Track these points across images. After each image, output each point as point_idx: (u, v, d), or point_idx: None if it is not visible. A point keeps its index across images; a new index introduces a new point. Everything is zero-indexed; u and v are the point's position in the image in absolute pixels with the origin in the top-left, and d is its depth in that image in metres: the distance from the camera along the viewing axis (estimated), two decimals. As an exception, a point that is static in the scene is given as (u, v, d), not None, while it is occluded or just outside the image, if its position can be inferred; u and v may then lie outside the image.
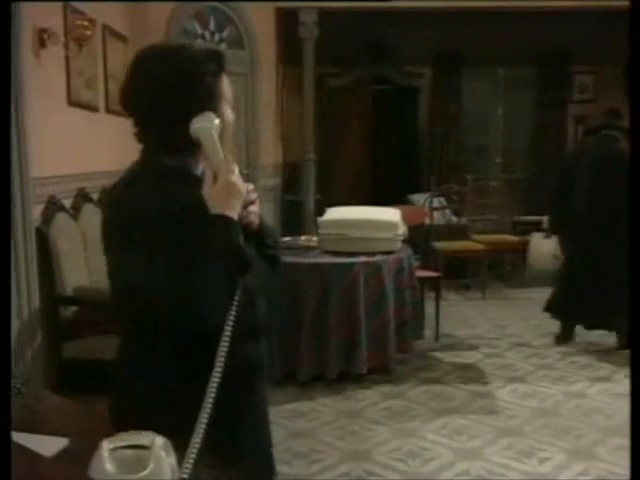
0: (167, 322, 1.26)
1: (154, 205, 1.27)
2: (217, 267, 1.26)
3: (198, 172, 1.39)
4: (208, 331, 1.23)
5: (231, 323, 1.24)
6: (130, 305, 1.31)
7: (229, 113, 1.41)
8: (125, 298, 1.32)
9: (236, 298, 1.27)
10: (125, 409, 1.37)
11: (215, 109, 1.35)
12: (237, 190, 1.31)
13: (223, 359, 1.19)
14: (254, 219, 1.38)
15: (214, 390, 1.16)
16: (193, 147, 1.34)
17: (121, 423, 1.14)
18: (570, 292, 4.69)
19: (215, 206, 1.29)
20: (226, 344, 1.21)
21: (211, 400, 1.14)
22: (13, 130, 3.33)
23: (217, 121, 1.33)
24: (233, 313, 1.26)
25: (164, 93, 1.32)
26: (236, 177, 1.32)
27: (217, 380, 1.17)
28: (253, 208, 1.37)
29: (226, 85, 1.40)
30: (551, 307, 4.85)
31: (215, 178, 1.31)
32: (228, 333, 1.23)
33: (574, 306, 4.69)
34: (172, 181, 1.33)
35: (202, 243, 1.25)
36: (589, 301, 4.58)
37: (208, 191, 1.31)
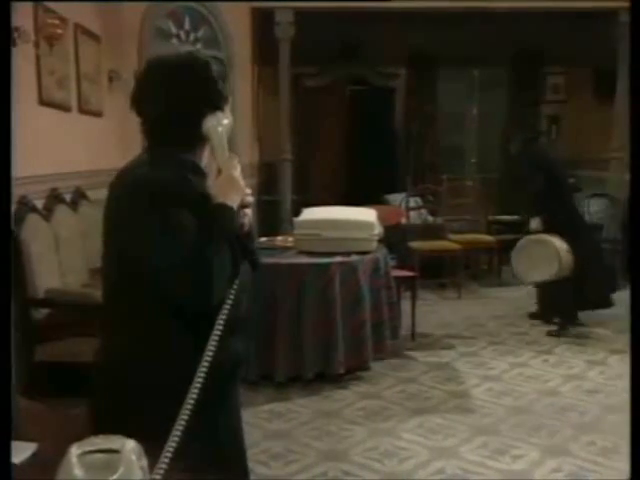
0: (176, 292, 1.31)
1: (171, 182, 1.35)
2: (222, 249, 1.34)
3: (203, 166, 1.49)
4: (211, 306, 1.29)
5: (227, 311, 1.30)
6: (141, 280, 1.34)
7: (229, 114, 1.51)
8: (139, 272, 1.34)
9: (234, 286, 1.35)
10: (113, 412, 1.36)
11: (224, 110, 1.47)
12: (238, 185, 1.42)
13: (213, 349, 1.22)
14: (247, 221, 1.47)
15: (198, 386, 1.17)
16: (199, 144, 1.45)
17: (105, 426, 1.13)
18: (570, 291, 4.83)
19: (217, 196, 1.40)
20: (218, 333, 1.25)
21: (194, 397, 1.15)
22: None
23: (226, 121, 1.47)
24: (230, 301, 1.32)
25: (179, 95, 1.43)
26: (238, 173, 1.43)
27: (202, 375, 1.19)
28: (248, 210, 1.46)
29: (228, 90, 1.52)
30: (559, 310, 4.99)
31: (219, 173, 1.43)
32: (222, 322, 1.27)
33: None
34: (183, 170, 1.42)
35: (209, 228, 1.34)
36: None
37: (212, 183, 1.42)
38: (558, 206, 4.97)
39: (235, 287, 1.35)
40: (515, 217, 7.07)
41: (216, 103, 1.45)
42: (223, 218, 1.37)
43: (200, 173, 1.46)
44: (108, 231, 1.41)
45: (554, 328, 4.97)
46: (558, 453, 3.10)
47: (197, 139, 1.44)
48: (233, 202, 1.40)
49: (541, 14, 6.47)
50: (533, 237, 4.86)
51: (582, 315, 5.09)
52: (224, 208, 1.38)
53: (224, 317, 1.28)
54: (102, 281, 1.46)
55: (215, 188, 1.41)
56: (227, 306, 1.30)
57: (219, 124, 1.44)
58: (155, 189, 1.33)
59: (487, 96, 7.90)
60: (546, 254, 4.64)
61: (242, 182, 1.43)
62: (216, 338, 1.24)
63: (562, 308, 4.99)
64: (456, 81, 7.90)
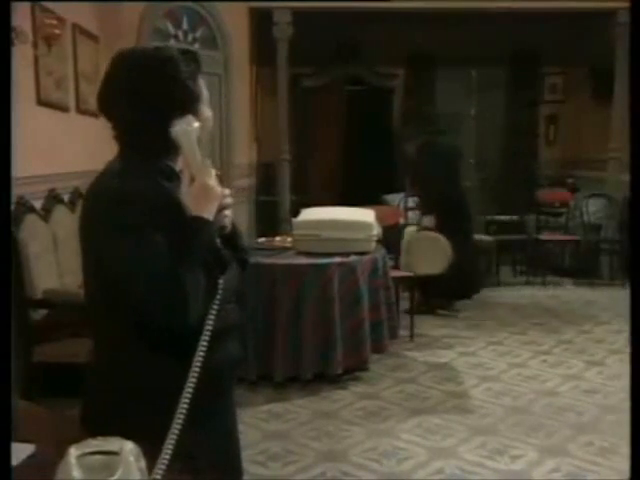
0: (149, 314, 1.26)
1: (144, 195, 1.28)
2: (196, 265, 1.27)
3: (178, 171, 1.41)
4: (187, 327, 1.24)
5: (211, 323, 1.26)
6: (118, 292, 1.29)
7: (207, 112, 1.43)
8: (115, 285, 1.29)
9: (217, 298, 1.30)
10: (101, 412, 1.35)
11: (195, 111, 1.37)
12: (214, 193, 1.34)
13: (201, 359, 1.21)
14: (227, 223, 1.40)
15: (190, 391, 1.16)
16: (173, 148, 1.36)
17: (95, 427, 1.13)
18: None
19: (192, 207, 1.31)
20: (205, 345, 1.22)
21: (187, 401, 1.15)
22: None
23: (196, 124, 1.36)
24: (214, 313, 1.28)
25: (144, 97, 1.33)
26: (213, 180, 1.35)
27: (194, 380, 1.18)
28: (227, 212, 1.39)
29: (202, 86, 1.42)
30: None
31: (192, 180, 1.34)
32: (208, 333, 1.24)
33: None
34: (157, 177, 1.35)
35: (183, 242, 1.28)
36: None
37: (185, 192, 1.34)
38: (451, 206, 5.37)
39: (218, 299, 1.30)
40: (513, 217, 7.08)
41: (185, 104, 1.35)
42: (199, 232, 1.29)
43: (176, 178, 1.38)
44: (82, 240, 1.36)
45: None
46: (556, 453, 3.10)
47: (169, 144, 1.34)
48: (209, 213, 1.32)
49: (539, 14, 6.48)
50: (426, 233, 5.14)
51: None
52: (200, 222, 1.30)
53: (209, 330, 1.25)
54: (83, 285, 1.42)
55: (189, 198, 1.32)
56: (210, 320, 1.26)
57: (190, 128, 1.34)
58: (127, 201, 1.26)
59: (485, 96, 7.90)
60: (438, 250, 4.96)
61: (217, 189, 1.34)
62: (203, 349, 1.22)
63: (441, 297, 5.47)
64: (454, 81, 7.90)
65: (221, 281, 1.33)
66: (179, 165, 1.40)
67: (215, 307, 1.29)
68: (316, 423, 3.44)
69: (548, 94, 7.84)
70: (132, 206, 1.26)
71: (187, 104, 1.35)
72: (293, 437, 3.27)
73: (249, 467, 2.81)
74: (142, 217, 1.25)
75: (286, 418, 3.50)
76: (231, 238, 1.43)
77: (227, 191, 1.38)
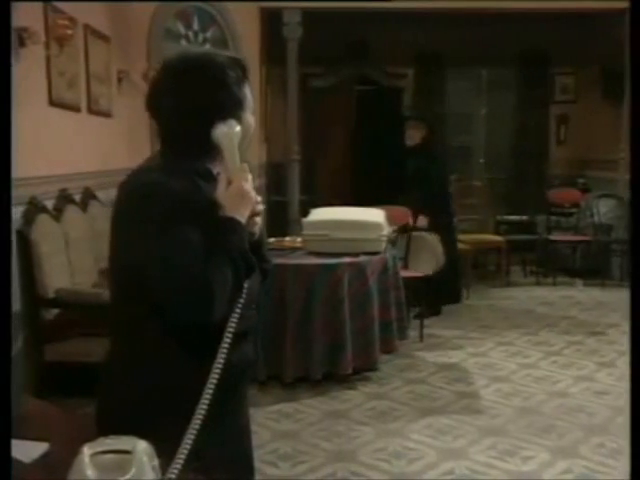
0: (175, 309, 1.26)
1: (178, 192, 1.29)
2: (226, 265, 1.28)
3: (215, 173, 1.43)
4: (212, 325, 1.25)
5: (233, 325, 1.27)
6: (144, 288, 1.29)
7: (251, 119, 1.45)
8: (142, 281, 1.29)
9: (240, 300, 1.31)
10: (117, 411, 1.36)
11: (238, 116, 1.39)
12: (249, 198, 1.36)
13: (223, 361, 1.21)
14: (256, 230, 1.42)
15: (211, 391, 1.17)
16: (213, 151, 1.38)
17: (110, 426, 1.13)
18: None
19: (226, 209, 1.34)
20: (227, 346, 1.23)
21: (207, 402, 1.15)
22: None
23: (238, 128, 1.38)
24: (236, 316, 1.29)
25: (189, 99, 1.36)
26: (249, 185, 1.37)
27: (214, 381, 1.18)
28: (258, 220, 1.41)
29: (248, 93, 1.45)
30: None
31: (229, 182, 1.36)
32: (230, 335, 1.25)
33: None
34: (194, 176, 1.37)
35: (215, 241, 1.29)
36: None
37: (221, 194, 1.36)
38: (443, 208, 5.46)
39: (242, 302, 1.31)
40: (523, 217, 7.05)
41: (228, 108, 1.37)
42: (232, 233, 1.31)
43: (212, 180, 1.40)
44: (112, 233, 1.37)
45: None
46: (567, 454, 3.08)
47: (210, 146, 1.37)
48: (242, 216, 1.34)
49: (549, 13, 6.45)
50: (420, 233, 5.17)
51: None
52: (233, 223, 1.32)
53: (231, 332, 1.26)
54: (108, 281, 1.45)
55: (225, 200, 1.35)
56: (233, 322, 1.27)
57: (232, 132, 1.37)
58: (162, 197, 1.28)
59: (495, 96, 7.88)
60: (430, 251, 5.05)
61: (253, 194, 1.37)
62: (225, 351, 1.22)
63: (428, 299, 5.31)
64: (464, 81, 7.89)
65: (246, 285, 1.34)
66: (217, 168, 1.42)
67: (238, 309, 1.30)
68: (326, 423, 3.44)
69: (559, 94, 7.80)
70: (164, 201, 1.28)
71: (231, 109, 1.38)
72: (303, 437, 3.27)
73: (259, 467, 2.80)
74: (174, 213, 1.27)
75: (296, 418, 3.50)
76: (257, 246, 1.44)
77: (259, 198, 1.41)
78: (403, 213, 5.15)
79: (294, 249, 4.23)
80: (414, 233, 5.09)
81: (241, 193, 1.35)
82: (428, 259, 5.01)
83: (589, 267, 6.69)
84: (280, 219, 6.38)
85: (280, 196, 6.71)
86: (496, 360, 4.42)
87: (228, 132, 1.37)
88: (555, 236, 6.69)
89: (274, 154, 7.03)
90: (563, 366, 4.31)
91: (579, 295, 6.22)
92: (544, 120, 7.79)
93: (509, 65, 7.60)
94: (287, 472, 2.93)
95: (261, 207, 1.41)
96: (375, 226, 4.15)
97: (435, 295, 5.30)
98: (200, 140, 1.36)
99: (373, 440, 3.24)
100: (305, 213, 4.55)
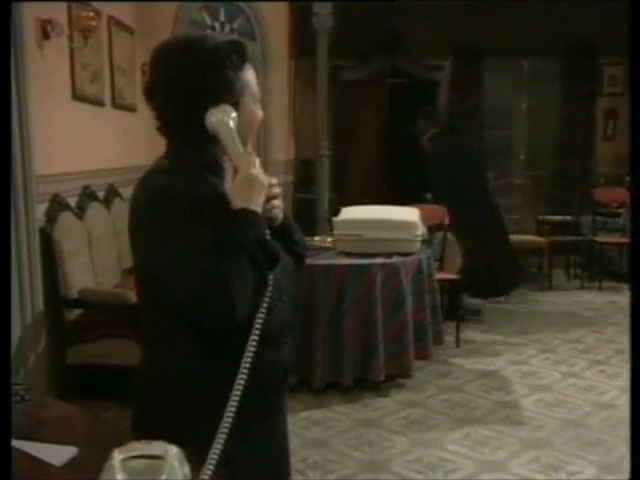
0: (194, 311, 1.26)
1: (189, 191, 1.28)
2: (243, 260, 1.25)
3: (223, 164, 1.40)
4: (234, 324, 1.24)
5: (260, 322, 1.25)
6: (164, 291, 1.29)
7: (254, 108, 1.40)
8: (161, 283, 1.30)
9: (267, 295, 1.29)
10: (150, 417, 1.37)
11: (235, 102, 1.35)
12: (259, 183, 1.32)
13: (250, 360, 1.20)
14: (278, 213, 1.38)
15: (238, 394, 1.16)
16: (214, 139, 1.34)
17: (146, 430, 1.13)
18: None
19: (237, 200, 1.30)
20: (254, 344, 1.22)
21: (234, 404, 1.15)
22: (16, 125, 3.34)
23: (234, 114, 1.33)
24: (263, 311, 1.27)
25: (182, 84, 1.32)
26: (257, 170, 1.33)
27: (242, 382, 1.17)
28: (276, 202, 1.37)
29: (250, 78, 1.40)
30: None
31: (236, 172, 1.33)
32: (257, 332, 1.23)
33: None
34: (203, 171, 1.35)
35: (229, 235, 1.27)
36: None
37: (229, 185, 1.33)
38: (462, 202, 5.32)
39: (268, 297, 1.29)
40: (567, 217, 6.94)
41: (221, 94, 1.32)
42: (246, 225, 1.28)
43: (220, 171, 1.38)
44: (130, 238, 1.38)
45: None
46: (615, 471, 3.02)
47: (207, 134, 1.33)
48: (256, 204, 1.30)
49: (596, 1, 6.34)
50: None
51: None
52: (246, 213, 1.29)
53: (259, 329, 1.24)
54: (135, 284, 1.45)
55: (234, 191, 1.31)
56: (260, 319, 1.25)
57: (227, 117, 1.31)
58: (171, 200, 1.26)
59: (537, 89, 7.76)
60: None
61: (262, 178, 1.32)
62: (252, 349, 1.21)
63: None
64: (504, 73, 7.79)
65: (271, 277, 1.31)
66: (224, 157, 1.39)
67: (265, 305, 1.28)
68: (357, 431, 3.43)
69: (606, 86, 7.64)
70: (177, 203, 1.26)
71: (224, 93, 1.33)
72: (333, 446, 3.27)
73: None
74: (187, 213, 1.26)
75: (326, 426, 3.50)
76: (283, 230, 1.41)
77: (274, 180, 1.37)
78: (439, 212, 5.11)
79: (324, 249, 4.23)
80: (450, 233, 5.07)
81: (249, 180, 1.31)
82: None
83: (638, 271, 6.56)
84: (308, 218, 6.38)
85: (308, 194, 6.71)
86: (538, 368, 4.36)
87: (222, 118, 1.31)
88: (601, 238, 6.58)
89: (303, 150, 7.03)
90: (610, 376, 4.23)
91: (627, 301, 6.10)
92: (590, 114, 7.65)
93: (553, 56, 7.47)
94: (317, 482, 2.93)
95: (278, 190, 1.37)
96: (409, 225, 4.13)
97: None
98: (196, 128, 1.32)
99: (407, 450, 3.22)
100: (334, 211, 4.54)
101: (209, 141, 1.35)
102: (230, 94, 1.34)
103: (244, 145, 1.35)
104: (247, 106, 1.38)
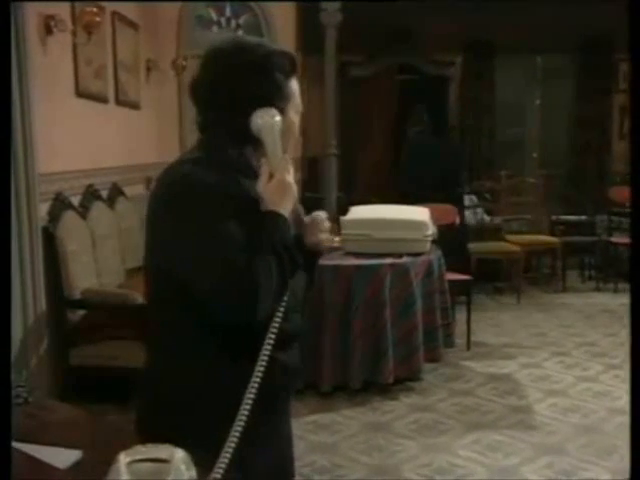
0: (218, 306, 1.29)
1: (217, 185, 1.32)
2: (269, 259, 1.30)
3: (256, 167, 1.43)
4: (255, 322, 1.27)
5: (276, 325, 1.28)
6: (183, 286, 1.31)
7: (295, 118, 1.47)
8: (181, 278, 1.32)
9: (284, 300, 1.33)
10: (158, 418, 1.38)
11: (281, 109, 1.40)
12: (291, 191, 1.39)
13: (264, 364, 1.23)
14: (326, 245, 1.49)
15: (252, 396, 1.18)
16: (254, 141, 1.39)
17: (151, 432, 1.14)
18: None
19: (268, 202, 1.36)
20: (269, 348, 1.25)
21: (247, 408, 1.16)
22: (18, 122, 3.35)
23: (278, 118, 1.39)
24: (280, 315, 1.30)
25: (232, 85, 1.38)
26: (292, 177, 1.39)
27: (256, 386, 1.19)
28: (325, 236, 1.47)
29: (296, 89, 1.47)
30: None
31: (271, 176, 1.37)
32: (272, 336, 1.26)
33: None
34: (235, 171, 1.39)
35: (258, 236, 1.32)
36: None
37: (263, 187, 1.37)
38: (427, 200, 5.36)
39: (285, 302, 1.33)
40: (582, 217, 6.92)
41: (270, 99, 1.38)
42: (275, 226, 1.34)
43: (253, 176, 1.40)
44: (149, 230, 1.39)
45: None
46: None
47: (250, 137, 1.38)
48: (286, 210, 1.36)
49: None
50: None
51: None
52: (276, 217, 1.34)
53: (274, 332, 1.27)
54: (144, 281, 1.46)
55: (267, 193, 1.36)
56: (276, 323, 1.28)
57: (273, 121, 1.37)
58: (202, 191, 1.30)
59: (551, 85, 7.74)
60: None
61: (295, 187, 1.39)
62: (267, 353, 1.24)
63: None
64: (516, 69, 7.77)
65: (290, 282, 1.35)
66: (258, 160, 1.43)
67: (282, 309, 1.31)
68: (365, 435, 3.43)
69: (623, 82, 7.59)
70: (204, 196, 1.30)
71: (273, 99, 1.38)
72: (341, 450, 3.27)
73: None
74: (214, 208, 1.29)
75: (333, 430, 3.50)
76: (316, 257, 1.49)
77: (324, 214, 1.47)
78: (449, 211, 5.11)
79: (332, 249, 4.22)
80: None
81: (283, 187, 1.37)
82: None
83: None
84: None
85: (316, 192, 6.71)
86: (551, 372, 4.35)
87: (269, 121, 1.37)
88: (617, 238, 6.54)
89: (310, 148, 7.03)
90: (625, 380, 4.20)
91: (643, 302, 6.08)
92: (606, 111, 7.61)
93: (567, 51, 7.45)
94: (324, 487, 2.93)
95: (328, 224, 1.48)
96: (419, 225, 4.13)
97: None
98: (239, 129, 1.37)
99: (417, 455, 3.22)
100: (342, 211, 4.54)
101: (247, 143, 1.40)
102: (277, 100, 1.40)
103: (283, 152, 1.40)
104: (289, 115, 1.45)
